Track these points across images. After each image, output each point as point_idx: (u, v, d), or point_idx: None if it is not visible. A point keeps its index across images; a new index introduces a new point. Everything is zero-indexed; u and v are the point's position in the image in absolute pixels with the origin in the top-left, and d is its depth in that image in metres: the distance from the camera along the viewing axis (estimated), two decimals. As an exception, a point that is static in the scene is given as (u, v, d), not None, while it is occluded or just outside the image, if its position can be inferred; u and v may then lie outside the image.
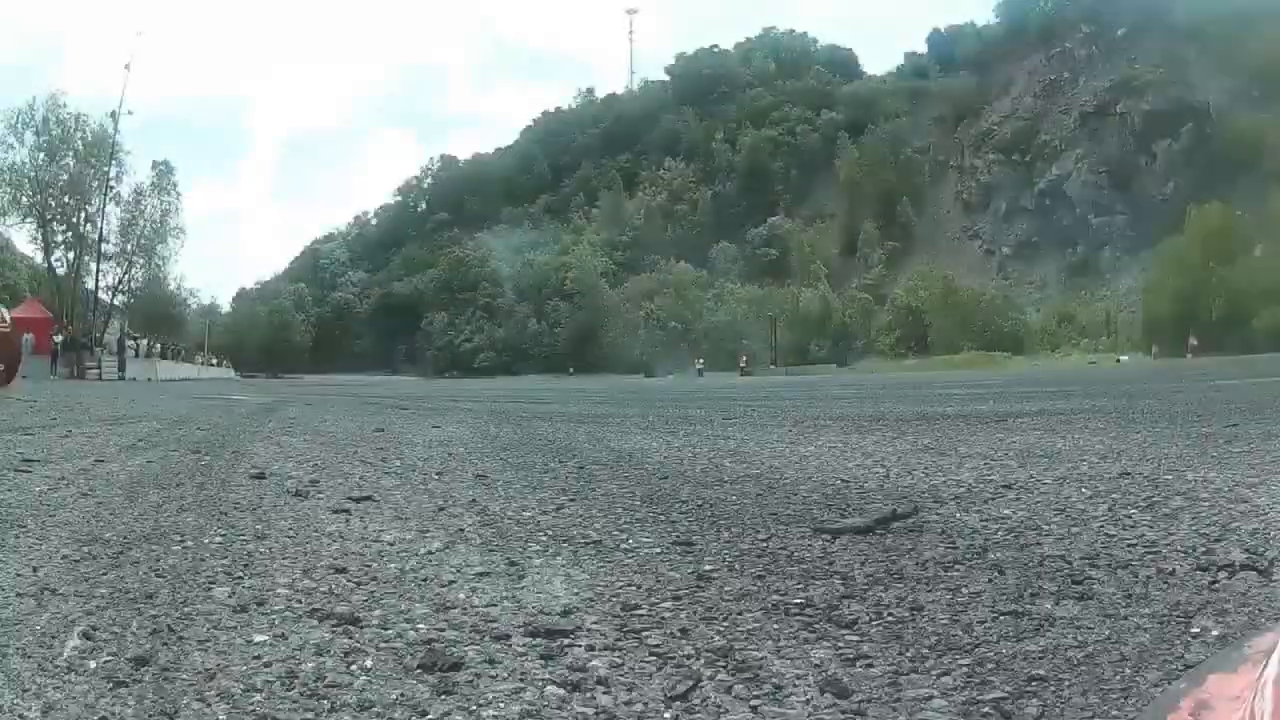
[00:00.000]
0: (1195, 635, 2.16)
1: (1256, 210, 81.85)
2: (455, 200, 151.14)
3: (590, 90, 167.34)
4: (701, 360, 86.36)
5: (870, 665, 2.08)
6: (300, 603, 2.54)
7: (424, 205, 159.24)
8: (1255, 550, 2.74)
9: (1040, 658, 2.08)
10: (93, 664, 2.03)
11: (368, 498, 4.22)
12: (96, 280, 70.19)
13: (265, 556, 3.08)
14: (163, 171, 74.05)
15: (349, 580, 2.79)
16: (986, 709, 1.84)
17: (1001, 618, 2.36)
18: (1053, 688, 1.91)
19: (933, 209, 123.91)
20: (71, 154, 68.30)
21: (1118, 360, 68.61)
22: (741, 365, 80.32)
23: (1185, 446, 5.32)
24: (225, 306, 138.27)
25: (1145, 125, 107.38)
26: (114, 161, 69.09)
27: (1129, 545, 2.95)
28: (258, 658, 2.10)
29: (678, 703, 1.89)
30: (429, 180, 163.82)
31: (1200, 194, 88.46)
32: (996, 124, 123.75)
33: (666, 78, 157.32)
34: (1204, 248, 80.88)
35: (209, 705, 1.83)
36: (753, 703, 1.89)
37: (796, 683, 1.99)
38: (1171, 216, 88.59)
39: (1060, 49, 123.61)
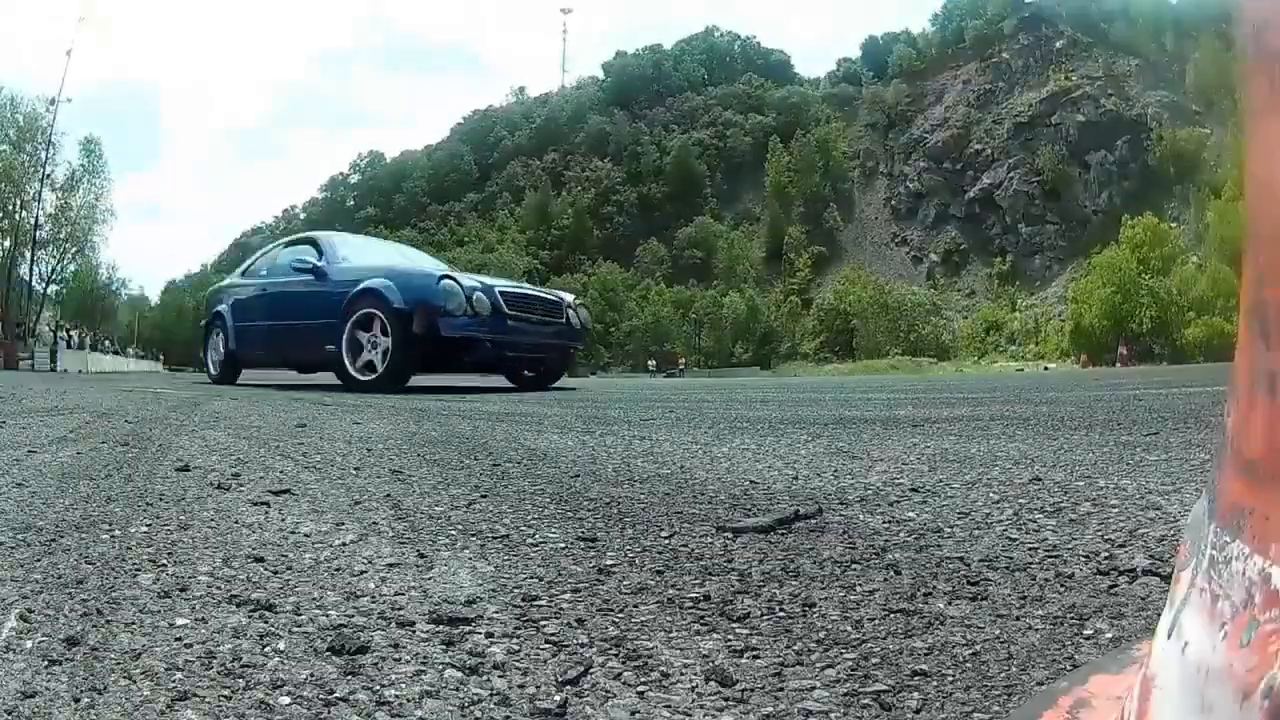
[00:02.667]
0: (1088, 637, 2.24)
1: (1191, 223, 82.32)
2: (383, 196, 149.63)
3: (522, 89, 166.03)
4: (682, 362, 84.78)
5: (757, 657, 2.21)
6: (220, 589, 2.67)
7: (352, 201, 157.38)
8: (1160, 556, 2.79)
9: (926, 654, 2.18)
10: (29, 644, 2.17)
11: (287, 491, 4.30)
12: (31, 268, 69.15)
13: (188, 546, 3.19)
14: (91, 151, 72.55)
15: (266, 569, 2.92)
16: (867, 700, 1.95)
17: (892, 615, 2.46)
18: (935, 682, 2.02)
19: (861, 215, 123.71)
20: (6, 140, 67.30)
21: (1044, 368, 68.61)
22: (680, 366, 79.38)
23: (1102, 454, 5.35)
24: (154, 299, 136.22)
25: (1080, 137, 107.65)
26: (50, 147, 68.08)
27: (1030, 549, 3.03)
28: (179, 639, 2.24)
29: (569, 686, 2.03)
30: (356, 176, 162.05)
31: (1135, 206, 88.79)
32: (928, 132, 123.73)
33: (603, 76, 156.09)
34: (1137, 259, 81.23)
35: (134, 682, 1.97)
36: (639, 688, 2.03)
37: (684, 671, 2.13)
38: (1105, 228, 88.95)
39: (996, 59, 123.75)
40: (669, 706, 1.95)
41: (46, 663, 2.06)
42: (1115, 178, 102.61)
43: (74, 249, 70.83)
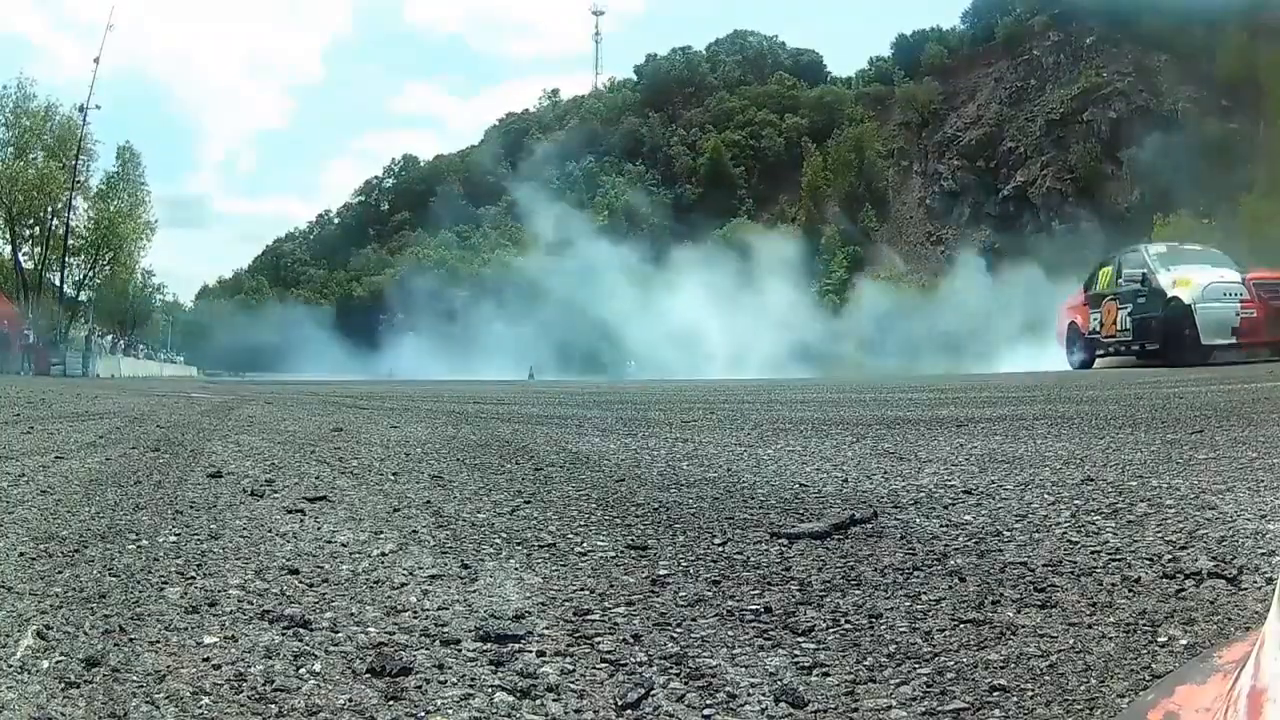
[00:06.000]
0: (1163, 644, 2.14)
1: (1224, 219, 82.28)
2: (417, 200, 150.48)
3: (555, 91, 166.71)
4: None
5: (827, 674, 2.08)
6: (251, 604, 2.55)
7: (386, 205, 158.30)
8: (1222, 558, 2.71)
9: (1002, 667, 2.07)
10: (45, 664, 2.05)
11: (323, 498, 4.20)
12: (63, 276, 69.69)
13: (218, 557, 3.08)
14: (128, 160, 72.75)
15: (301, 582, 2.80)
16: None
17: (962, 626, 2.34)
18: (1015, 698, 1.90)
19: (896, 214, 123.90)
20: (40, 148, 67.76)
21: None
22: None
23: (1150, 452, 5.25)
24: (187, 304, 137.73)
25: (1112, 133, 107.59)
26: (82, 156, 68.46)
27: (1093, 552, 2.91)
28: (207, 660, 2.11)
29: (629, 711, 1.90)
30: (390, 180, 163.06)
31: (1167, 202, 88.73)
32: (961, 130, 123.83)
33: (635, 78, 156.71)
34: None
35: (158, 708, 1.84)
36: (705, 712, 1.90)
37: (751, 691, 1.99)
38: (1138, 224, 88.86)
39: (1027, 56, 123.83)
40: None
41: (63, 685, 1.94)
42: (1147, 174, 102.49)
43: (109, 255, 71.04)
